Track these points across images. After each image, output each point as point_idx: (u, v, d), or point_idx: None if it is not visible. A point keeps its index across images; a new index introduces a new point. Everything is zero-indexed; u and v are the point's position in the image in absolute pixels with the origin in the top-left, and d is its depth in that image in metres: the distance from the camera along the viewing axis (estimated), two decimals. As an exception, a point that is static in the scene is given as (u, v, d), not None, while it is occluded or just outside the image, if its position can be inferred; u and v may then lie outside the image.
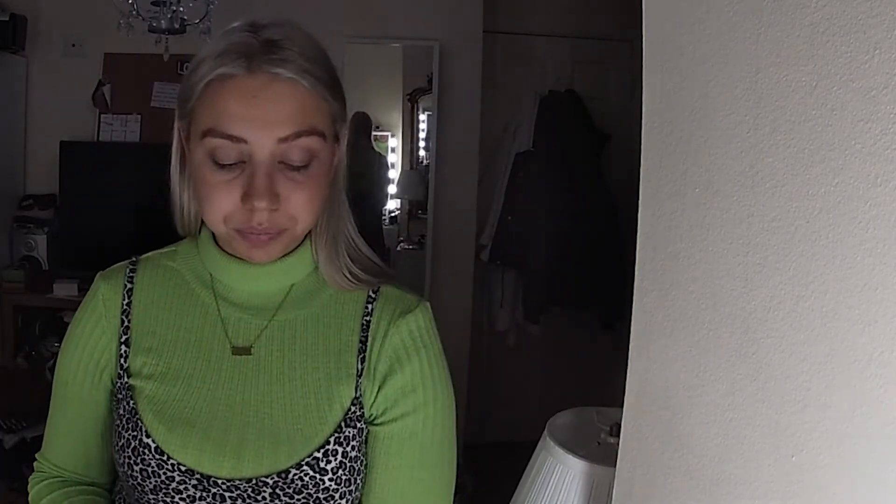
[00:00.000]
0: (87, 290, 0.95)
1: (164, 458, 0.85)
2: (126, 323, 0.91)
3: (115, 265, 0.96)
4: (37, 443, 0.97)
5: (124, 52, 3.30)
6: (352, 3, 3.41)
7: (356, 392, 0.88)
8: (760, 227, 0.55)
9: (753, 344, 0.56)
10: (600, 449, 0.87)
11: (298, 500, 0.85)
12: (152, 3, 2.66)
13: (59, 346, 0.96)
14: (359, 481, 0.89)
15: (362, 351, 0.89)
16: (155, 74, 3.37)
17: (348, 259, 0.91)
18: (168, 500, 0.85)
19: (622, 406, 0.72)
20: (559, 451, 0.85)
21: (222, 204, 0.81)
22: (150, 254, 0.97)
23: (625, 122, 3.56)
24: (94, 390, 0.92)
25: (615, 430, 0.81)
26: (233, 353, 0.89)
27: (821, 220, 0.50)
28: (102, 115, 3.38)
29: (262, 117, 0.79)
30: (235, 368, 0.89)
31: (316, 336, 0.91)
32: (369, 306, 0.91)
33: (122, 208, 3.27)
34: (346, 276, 0.90)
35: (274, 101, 0.80)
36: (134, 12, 2.59)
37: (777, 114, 0.53)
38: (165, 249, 0.97)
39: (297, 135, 0.80)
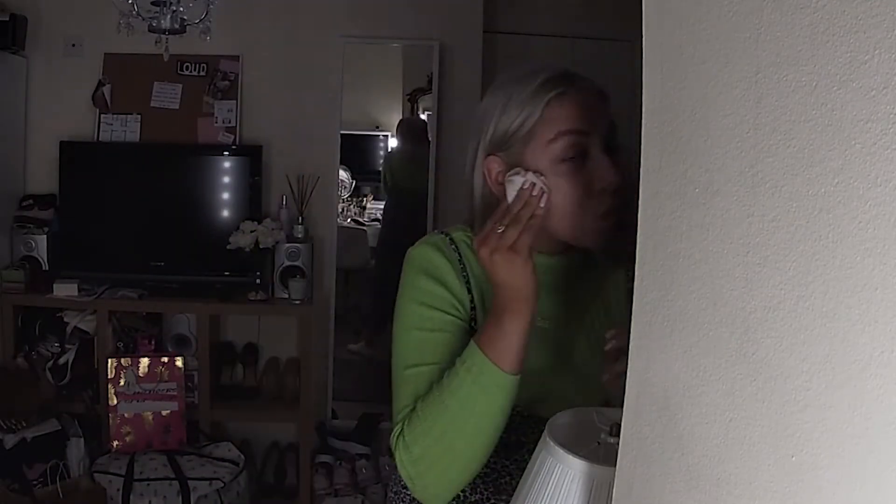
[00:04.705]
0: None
1: None
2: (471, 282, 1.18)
3: (429, 237, 1.26)
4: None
5: (124, 52, 3.30)
6: (352, 3, 3.41)
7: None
8: (760, 227, 0.55)
9: (753, 344, 0.56)
10: (600, 449, 0.87)
11: None
12: (152, 3, 2.66)
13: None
14: None
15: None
16: (155, 74, 3.37)
17: None
18: None
19: (622, 406, 0.72)
20: (559, 451, 0.85)
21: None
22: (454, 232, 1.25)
23: (625, 123, 3.55)
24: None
25: (615, 430, 0.81)
26: None
27: (821, 220, 0.50)
28: (102, 115, 3.38)
29: None
30: None
31: None
32: None
33: (121, 208, 3.27)
34: None
35: None
36: (134, 12, 2.59)
37: (777, 114, 0.53)
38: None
39: None
